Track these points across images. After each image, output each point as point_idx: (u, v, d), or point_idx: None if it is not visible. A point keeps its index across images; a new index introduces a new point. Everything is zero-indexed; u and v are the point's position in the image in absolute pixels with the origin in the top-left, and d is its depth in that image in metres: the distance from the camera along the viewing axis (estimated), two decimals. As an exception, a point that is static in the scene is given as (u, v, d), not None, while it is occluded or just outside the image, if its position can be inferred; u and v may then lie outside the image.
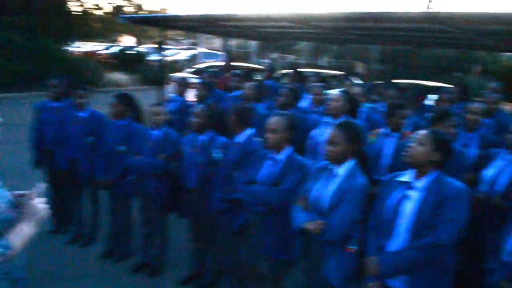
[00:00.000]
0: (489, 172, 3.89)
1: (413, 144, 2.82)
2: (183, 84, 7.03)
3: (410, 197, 2.78)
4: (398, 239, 2.76)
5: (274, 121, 3.43)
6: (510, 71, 30.91)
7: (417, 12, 7.82)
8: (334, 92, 5.59)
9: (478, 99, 5.93)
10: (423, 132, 2.85)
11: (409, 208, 2.75)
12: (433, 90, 6.53)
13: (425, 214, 2.67)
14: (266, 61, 27.68)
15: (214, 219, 4.19)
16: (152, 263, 4.89)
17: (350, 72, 19.75)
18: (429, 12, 8.03)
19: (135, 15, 21.78)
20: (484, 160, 4.10)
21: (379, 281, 2.80)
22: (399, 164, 3.14)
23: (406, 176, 2.88)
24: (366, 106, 5.49)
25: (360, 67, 23.85)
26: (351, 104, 4.61)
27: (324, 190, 3.02)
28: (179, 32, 28.52)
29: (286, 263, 3.53)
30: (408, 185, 2.82)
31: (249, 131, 4.02)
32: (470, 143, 4.46)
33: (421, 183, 2.79)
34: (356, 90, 5.92)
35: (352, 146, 3.02)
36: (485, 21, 7.54)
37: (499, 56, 35.45)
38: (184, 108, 6.13)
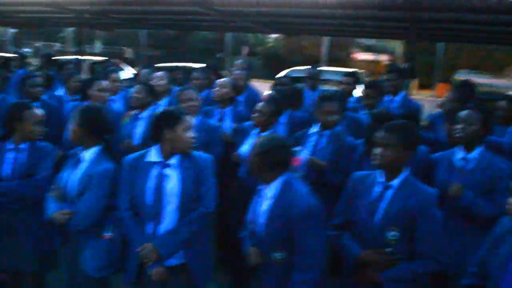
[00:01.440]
0: (244, 148, 3.97)
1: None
2: None
3: (169, 176, 2.77)
4: (168, 220, 2.76)
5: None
6: (275, 51, 34.27)
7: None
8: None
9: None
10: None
11: (171, 187, 2.75)
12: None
13: (189, 189, 2.75)
14: (27, 50, 24.77)
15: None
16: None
17: (120, 58, 18.94)
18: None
19: None
20: (239, 134, 4.34)
21: (160, 265, 2.72)
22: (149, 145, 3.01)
23: (153, 156, 2.82)
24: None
25: (129, 53, 23.20)
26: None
27: (71, 177, 2.94)
28: None
29: (47, 257, 3.39)
30: (162, 165, 2.78)
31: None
32: (225, 117, 4.70)
33: (174, 160, 2.79)
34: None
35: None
36: (245, 3, 7.59)
37: (266, 38, 38.86)
38: None
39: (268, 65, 32.29)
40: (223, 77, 5.58)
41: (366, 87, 4.89)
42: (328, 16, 8.55)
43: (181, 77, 6.91)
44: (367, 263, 2.58)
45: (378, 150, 2.62)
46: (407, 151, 2.58)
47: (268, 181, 2.63)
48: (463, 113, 3.34)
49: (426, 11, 7.00)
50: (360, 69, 18.62)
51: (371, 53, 31.02)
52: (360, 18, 8.38)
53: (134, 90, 4.54)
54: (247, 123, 4.19)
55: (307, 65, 7.47)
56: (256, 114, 4.00)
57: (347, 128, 4.29)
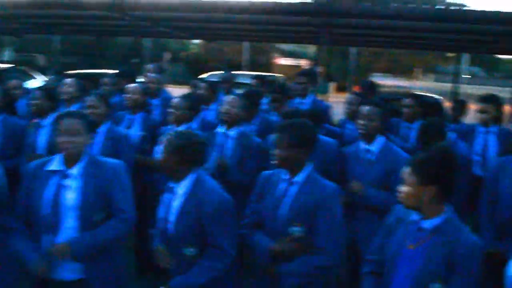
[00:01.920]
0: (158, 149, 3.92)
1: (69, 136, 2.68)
2: None
3: (69, 186, 2.65)
4: (66, 233, 2.62)
5: None
6: (197, 57, 34.19)
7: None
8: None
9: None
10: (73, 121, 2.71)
11: (69, 198, 2.63)
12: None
13: (90, 199, 2.63)
14: None
15: None
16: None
17: (31, 65, 18.05)
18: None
19: None
20: (149, 141, 4.31)
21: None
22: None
23: (55, 165, 2.70)
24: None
25: (42, 60, 22.11)
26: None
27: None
28: None
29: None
30: (62, 174, 2.67)
31: None
32: (133, 124, 4.56)
33: (75, 170, 2.68)
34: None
35: None
36: (156, 8, 7.54)
37: (189, 44, 38.61)
38: None
39: (191, 70, 32.15)
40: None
41: (273, 91, 4.99)
42: (242, 22, 8.69)
43: (88, 84, 6.66)
44: (279, 254, 2.62)
45: (275, 151, 2.68)
46: (302, 148, 2.62)
47: (179, 178, 2.62)
48: (365, 108, 3.53)
49: (336, 16, 7.33)
50: (281, 73, 19.01)
51: (291, 58, 31.81)
52: (273, 24, 8.58)
53: (31, 97, 4.30)
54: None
55: (227, 70, 7.54)
56: (171, 110, 4.04)
57: (258, 128, 4.40)
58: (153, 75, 5.74)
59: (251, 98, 4.54)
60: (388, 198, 3.18)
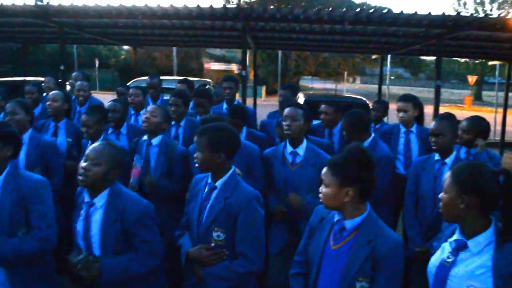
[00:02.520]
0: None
1: None
2: None
3: None
4: None
5: None
6: (127, 63, 33.47)
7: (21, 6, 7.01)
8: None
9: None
10: None
11: None
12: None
13: (6, 213, 2.57)
14: None
15: None
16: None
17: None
18: (32, 6, 7.27)
19: None
20: (75, 147, 4.36)
21: None
22: None
23: None
24: None
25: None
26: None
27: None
28: None
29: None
30: None
31: None
32: (59, 131, 4.56)
33: None
34: None
35: None
36: (80, 14, 7.30)
37: (119, 50, 37.70)
38: None
39: (122, 77, 31.41)
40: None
41: (196, 95, 4.93)
42: (168, 27, 8.53)
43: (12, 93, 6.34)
44: (194, 259, 2.63)
45: (196, 154, 2.66)
46: (220, 152, 2.58)
47: (98, 192, 2.58)
48: (287, 110, 3.56)
49: (259, 20, 7.32)
50: (212, 78, 18.91)
51: (222, 63, 31.82)
52: (199, 28, 8.48)
53: None
54: None
55: (153, 76, 7.31)
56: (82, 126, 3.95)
57: (190, 132, 4.35)
58: (80, 82, 5.62)
59: (183, 97, 4.52)
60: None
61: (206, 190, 2.68)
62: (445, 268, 2.03)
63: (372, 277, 2.10)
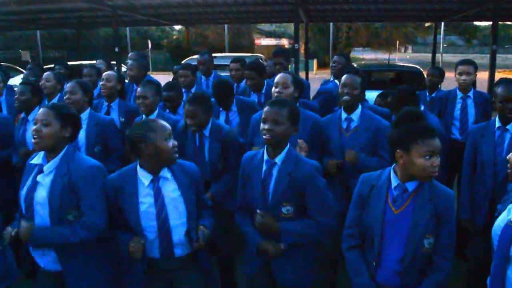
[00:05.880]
0: None
1: (38, 126, 2.55)
2: None
3: (40, 182, 2.57)
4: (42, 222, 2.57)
5: None
6: (179, 43, 33.77)
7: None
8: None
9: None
10: (45, 111, 2.59)
11: (40, 195, 2.55)
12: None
13: (57, 198, 2.51)
14: None
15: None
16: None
17: (17, 61, 17.92)
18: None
19: None
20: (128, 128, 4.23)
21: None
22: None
23: (37, 158, 2.64)
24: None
25: (26, 55, 21.96)
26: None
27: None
28: None
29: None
30: (39, 168, 2.59)
31: None
32: (111, 111, 4.57)
33: (48, 166, 2.57)
34: None
35: None
36: None
37: (172, 31, 38.19)
38: None
39: (174, 57, 31.91)
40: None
41: (247, 69, 4.88)
42: (220, 4, 8.67)
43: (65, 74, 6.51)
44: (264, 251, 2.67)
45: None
46: (294, 126, 2.65)
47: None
48: (346, 77, 3.58)
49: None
50: (263, 54, 18.95)
51: (273, 38, 31.70)
52: (250, 4, 8.58)
53: (16, 91, 4.26)
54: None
55: (205, 53, 7.42)
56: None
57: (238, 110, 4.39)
58: (131, 61, 5.61)
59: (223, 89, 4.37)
60: (380, 162, 3.32)
61: (265, 167, 2.69)
62: (511, 229, 2.00)
63: (436, 233, 2.24)
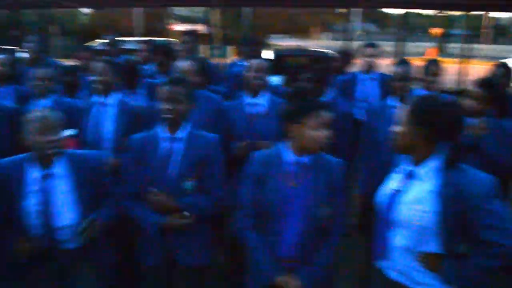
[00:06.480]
0: None
1: None
2: None
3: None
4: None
5: None
6: (87, 28, 32.42)
7: None
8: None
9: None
10: None
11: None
12: None
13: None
14: None
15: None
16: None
17: None
18: None
19: None
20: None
21: None
22: None
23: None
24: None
25: None
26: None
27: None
28: None
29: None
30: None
31: None
32: (7, 96, 4.33)
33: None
34: None
35: None
36: None
37: (79, 15, 36.49)
38: None
39: (84, 42, 30.48)
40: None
41: (155, 53, 4.87)
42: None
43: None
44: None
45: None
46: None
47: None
48: (253, 62, 3.61)
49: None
50: (177, 39, 18.49)
51: (188, 24, 31.11)
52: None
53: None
54: None
55: (119, 38, 7.16)
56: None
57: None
58: (29, 44, 5.39)
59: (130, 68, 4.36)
60: None
61: (165, 144, 2.74)
62: (395, 195, 2.13)
63: (330, 202, 2.37)
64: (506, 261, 1.98)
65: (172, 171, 2.68)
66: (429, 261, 2.06)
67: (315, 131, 2.29)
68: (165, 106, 2.68)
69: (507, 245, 1.92)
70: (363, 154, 3.73)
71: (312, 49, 12.72)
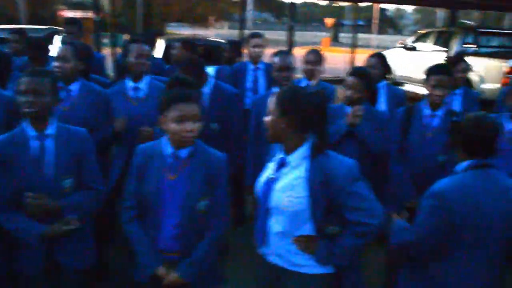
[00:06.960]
0: None
1: None
2: None
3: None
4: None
5: None
6: None
7: None
8: None
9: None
10: None
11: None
12: None
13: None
14: None
15: None
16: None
17: None
18: None
19: None
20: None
21: None
22: None
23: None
24: None
25: None
26: None
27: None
28: None
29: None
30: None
31: None
32: None
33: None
34: None
35: None
36: None
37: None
38: None
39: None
40: None
41: (29, 47, 4.48)
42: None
43: None
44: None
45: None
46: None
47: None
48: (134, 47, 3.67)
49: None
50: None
51: (79, 11, 29.49)
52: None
53: None
54: None
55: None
56: None
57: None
58: None
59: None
60: None
61: (33, 143, 2.54)
62: (269, 183, 2.21)
63: (210, 194, 2.38)
64: (372, 239, 2.18)
65: (47, 171, 2.49)
66: (304, 244, 2.18)
67: (176, 124, 2.26)
68: (25, 98, 2.42)
69: (372, 223, 2.10)
70: (249, 144, 3.80)
71: (208, 38, 12.66)
